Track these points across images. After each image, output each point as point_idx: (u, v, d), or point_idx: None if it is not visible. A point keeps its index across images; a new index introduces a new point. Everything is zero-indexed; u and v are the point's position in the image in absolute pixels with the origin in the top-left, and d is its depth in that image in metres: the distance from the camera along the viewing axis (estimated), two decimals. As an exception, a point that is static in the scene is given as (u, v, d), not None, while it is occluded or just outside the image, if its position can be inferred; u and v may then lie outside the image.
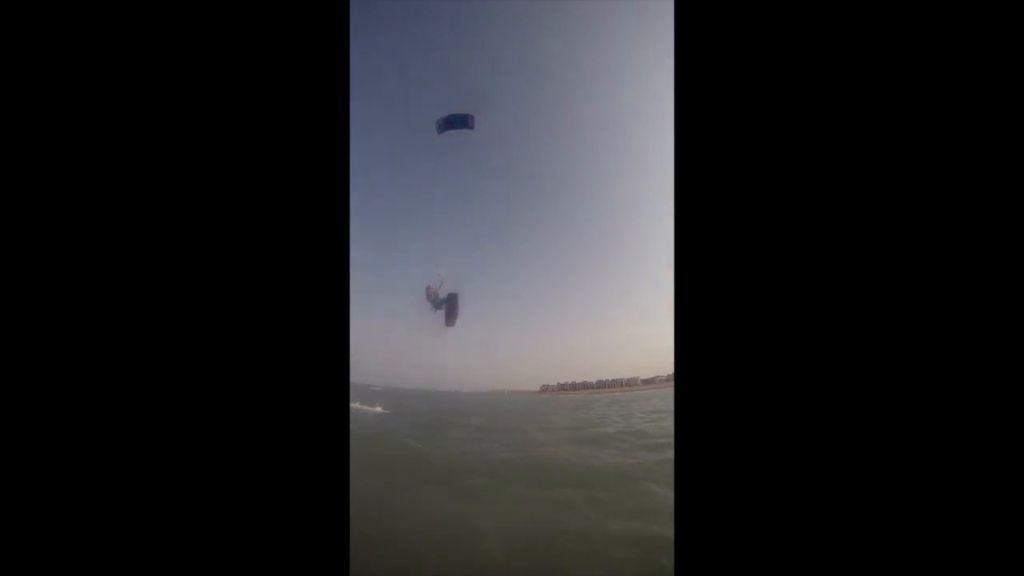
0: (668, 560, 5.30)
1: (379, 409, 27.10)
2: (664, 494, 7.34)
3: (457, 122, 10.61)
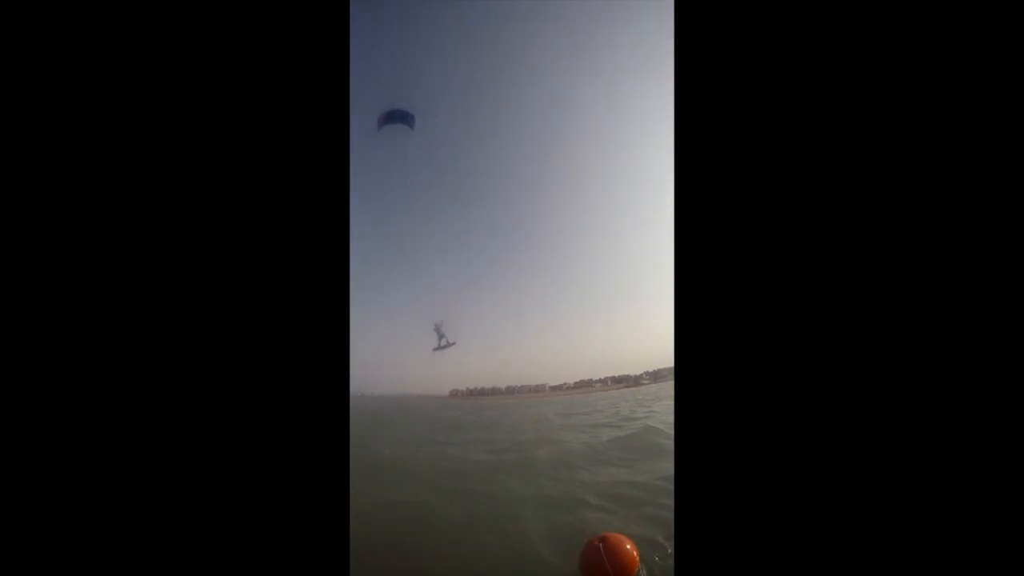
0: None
1: None
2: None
3: (398, 117, 11.24)
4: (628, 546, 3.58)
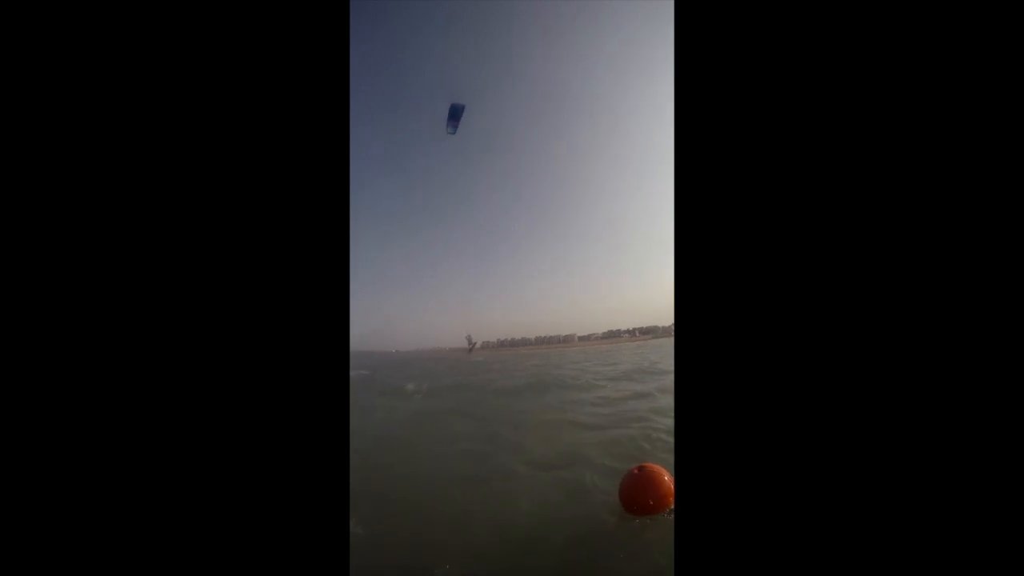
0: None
1: None
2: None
3: (457, 113, 13.31)
4: (666, 477, 3.58)
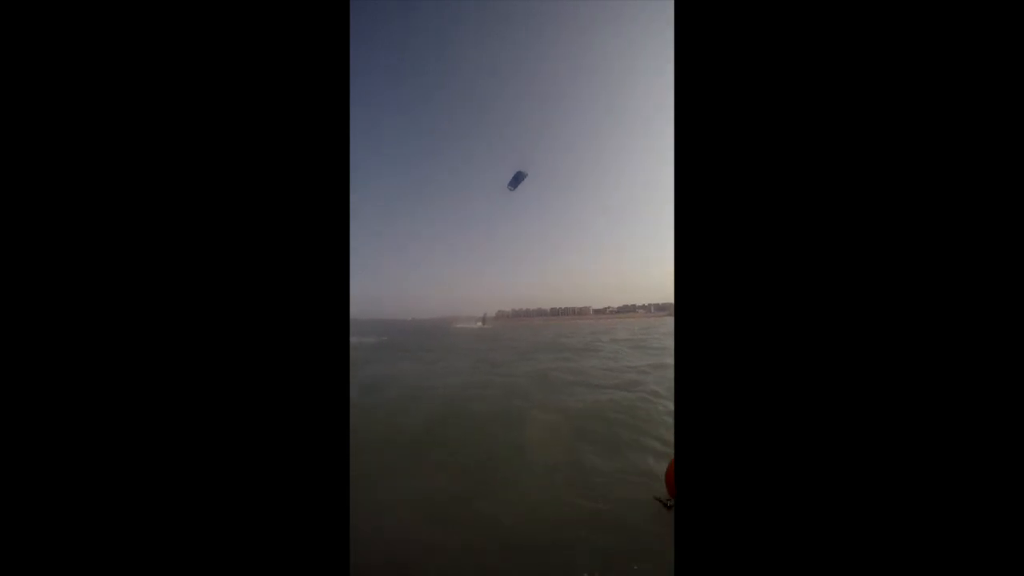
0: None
1: None
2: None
3: (520, 179, 17.53)
4: None
